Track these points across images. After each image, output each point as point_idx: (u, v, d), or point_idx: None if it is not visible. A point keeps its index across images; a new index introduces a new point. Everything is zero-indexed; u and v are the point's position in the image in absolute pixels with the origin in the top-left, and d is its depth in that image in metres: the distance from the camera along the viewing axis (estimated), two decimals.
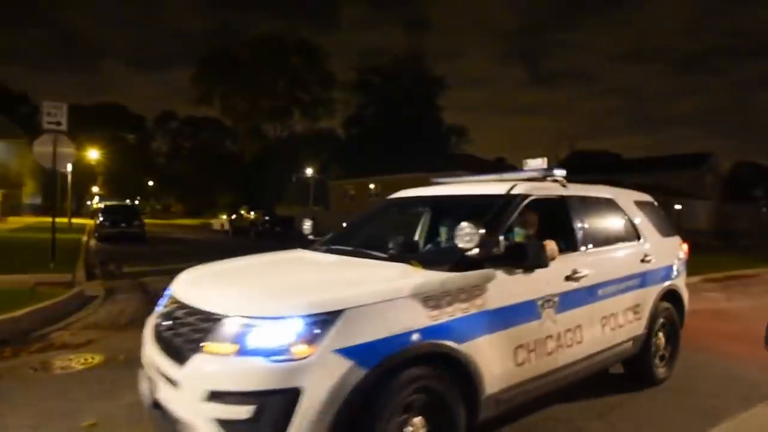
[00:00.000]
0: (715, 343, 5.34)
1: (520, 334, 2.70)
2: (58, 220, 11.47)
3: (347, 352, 2.01)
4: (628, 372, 3.95)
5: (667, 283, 4.03)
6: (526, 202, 3.09)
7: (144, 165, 58.65)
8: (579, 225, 3.38)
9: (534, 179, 3.57)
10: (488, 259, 2.62)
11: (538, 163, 3.84)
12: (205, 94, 52.64)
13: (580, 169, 36.94)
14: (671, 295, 4.11)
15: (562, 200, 3.40)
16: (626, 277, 3.56)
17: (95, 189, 55.06)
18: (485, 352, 2.48)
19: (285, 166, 47.79)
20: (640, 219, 4.02)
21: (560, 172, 3.57)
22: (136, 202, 66.15)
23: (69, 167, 24.98)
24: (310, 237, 3.88)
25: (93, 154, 42.07)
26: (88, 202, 51.68)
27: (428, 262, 2.64)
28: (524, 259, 2.63)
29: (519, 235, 3.45)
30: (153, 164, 61.60)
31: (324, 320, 2.03)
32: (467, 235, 2.54)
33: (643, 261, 3.78)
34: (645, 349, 3.80)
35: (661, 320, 4.02)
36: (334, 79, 52.32)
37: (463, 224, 2.56)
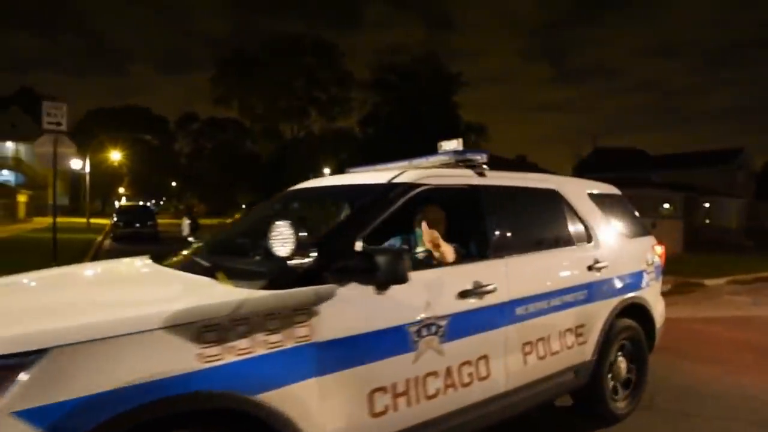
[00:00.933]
0: (733, 355, 4.56)
1: (378, 374, 2.00)
2: (77, 220, 11.45)
3: (36, 414, 1.34)
4: (576, 407, 3.18)
5: (629, 295, 3.24)
6: (412, 193, 2.38)
7: (167, 166, 59.71)
8: (494, 224, 2.64)
9: (448, 165, 2.86)
10: (332, 272, 1.94)
11: (453, 146, 3.10)
12: (224, 96, 53.14)
13: (603, 166, 35.41)
14: (635, 311, 3.31)
15: (474, 192, 2.67)
16: (563, 289, 2.80)
17: (121, 190, 56.40)
18: (310, 404, 1.80)
19: (302, 165, 47.72)
20: (594, 216, 3.23)
21: (478, 156, 2.84)
22: (161, 202, 67.52)
23: (76, 166, 25.39)
24: (190, 239, 3.25)
25: (116, 156, 42.95)
26: (116, 203, 52.89)
27: (240, 275, 1.98)
28: (373, 271, 1.92)
29: (420, 237, 2.75)
30: (176, 165, 62.66)
31: (6, 366, 1.37)
32: (281, 239, 1.86)
33: (591, 269, 3.00)
34: (595, 380, 3.02)
35: (621, 342, 3.23)
36: (351, 78, 52.03)
37: (279, 223, 1.88)
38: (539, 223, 3.01)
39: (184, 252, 2.72)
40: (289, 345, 1.77)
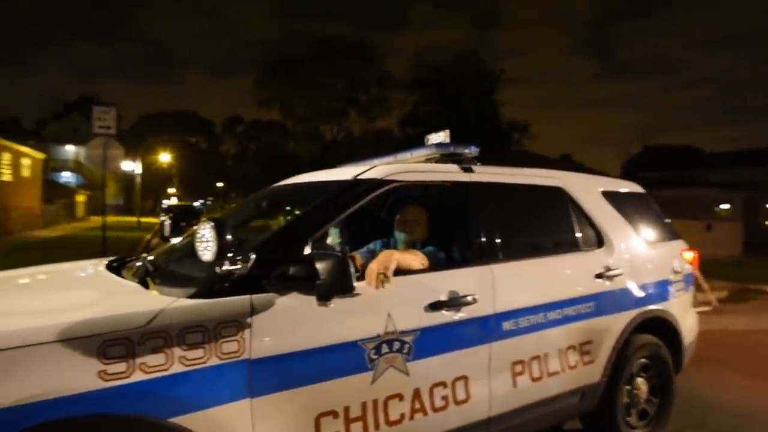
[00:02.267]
0: None
1: (326, 396, 1.76)
2: (129, 219, 12.05)
3: None
4: None
5: (650, 308, 2.83)
6: (379, 191, 2.12)
7: (214, 167, 61.92)
8: (479, 225, 2.32)
9: (434, 159, 2.58)
10: (270, 279, 1.71)
11: (440, 138, 2.81)
12: (267, 98, 54.47)
13: (654, 165, 33.42)
14: (658, 325, 2.89)
15: (457, 189, 2.36)
16: (563, 301, 2.44)
17: (171, 190, 59.00)
18: (241, 429, 1.59)
19: (342, 166, 48.05)
20: (607, 218, 2.84)
21: (465, 150, 2.53)
22: (208, 202, 70.05)
23: (127, 168, 26.63)
24: (172, 240, 3.12)
25: (166, 158, 44.94)
26: (164, 202, 55.47)
27: (175, 282, 1.79)
28: (314, 279, 1.68)
29: (401, 241, 2.49)
30: (222, 166, 64.89)
31: None
32: (203, 243, 1.66)
33: (600, 277, 2.62)
34: (607, 405, 2.64)
35: (640, 361, 2.82)
36: (391, 78, 52.01)
37: (204, 224, 1.68)
38: (537, 225, 2.66)
39: (152, 255, 2.58)
40: (214, 362, 1.56)
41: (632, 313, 2.72)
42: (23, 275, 2.47)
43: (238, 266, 1.70)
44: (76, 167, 44.36)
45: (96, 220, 32.30)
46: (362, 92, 52.58)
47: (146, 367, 1.46)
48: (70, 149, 44.54)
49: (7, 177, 22.00)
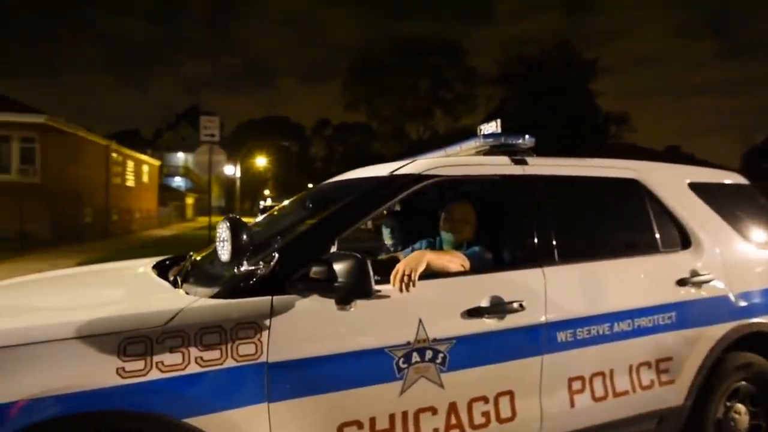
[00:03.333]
0: None
1: (350, 405, 1.67)
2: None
3: None
4: None
5: (752, 321, 2.38)
6: (416, 187, 1.97)
7: (304, 169, 65.15)
8: (532, 223, 2.09)
9: (485, 152, 2.38)
10: (293, 280, 1.65)
11: (491, 129, 2.58)
12: (353, 101, 56.00)
13: None
14: (762, 341, 2.42)
15: (508, 184, 2.15)
16: (635, 310, 2.13)
17: (266, 192, 63.17)
18: None
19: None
20: (697, 214, 2.44)
21: (519, 140, 2.30)
22: None
23: (229, 172, 29.00)
24: None
25: (261, 161, 48.18)
26: (260, 203, 59.45)
27: (204, 281, 1.80)
28: (332, 282, 1.59)
29: (446, 241, 2.33)
30: (312, 168, 68.07)
31: None
32: (221, 243, 1.64)
33: (684, 283, 2.25)
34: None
35: (737, 383, 2.38)
36: (477, 75, 50.92)
37: (221, 223, 1.65)
38: (604, 224, 2.35)
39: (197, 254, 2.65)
40: (230, 364, 1.53)
41: (727, 327, 2.30)
42: (72, 274, 2.65)
43: (260, 266, 1.67)
44: (185, 172, 49.07)
45: (203, 221, 35.56)
46: (447, 91, 52.11)
47: (163, 366, 1.47)
48: (180, 156, 49.46)
49: (130, 183, 24.96)
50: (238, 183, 35.11)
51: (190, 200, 43.12)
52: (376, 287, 1.60)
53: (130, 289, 2.07)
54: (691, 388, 2.23)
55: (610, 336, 2.06)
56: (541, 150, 2.47)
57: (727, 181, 2.73)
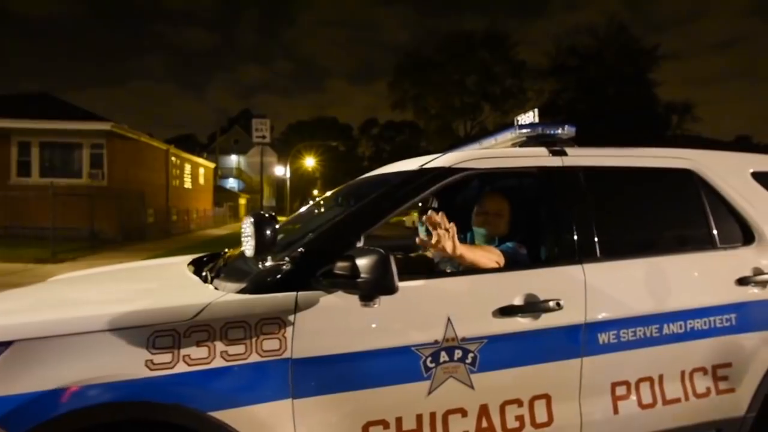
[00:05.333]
0: None
1: (376, 403, 1.66)
2: (281, 218, 14.00)
3: None
4: None
5: None
6: (446, 181, 1.93)
7: (352, 168, 65.99)
8: (571, 217, 1.98)
9: (522, 143, 2.29)
10: (317, 276, 1.65)
11: (529, 120, 2.45)
12: (400, 100, 56.03)
13: None
14: None
15: (546, 177, 2.04)
16: (688, 311, 1.99)
17: (315, 191, 64.56)
18: (281, 430, 1.55)
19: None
20: (760, 206, 2.24)
21: (558, 130, 2.18)
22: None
23: (279, 173, 29.90)
24: None
25: (310, 162, 49.29)
26: (310, 202, 60.98)
27: (233, 277, 1.82)
28: (355, 278, 1.56)
29: (479, 236, 2.25)
30: (359, 167, 68.81)
31: None
32: (246, 238, 1.66)
33: (745, 282, 2.07)
34: None
35: None
36: (525, 67, 49.55)
37: (246, 219, 1.67)
38: (654, 217, 2.21)
39: (232, 251, 2.70)
40: (254, 359, 1.55)
41: None
42: (114, 270, 2.76)
43: (286, 262, 1.67)
44: (238, 174, 51.02)
45: None
46: (495, 85, 51.04)
47: (189, 359, 1.50)
48: (233, 158, 51.44)
49: (188, 184, 26.26)
50: (288, 183, 36.12)
51: (242, 201, 44.83)
52: (403, 284, 1.58)
53: (164, 284, 2.14)
54: (755, 398, 2.05)
55: (659, 338, 1.94)
56: (595, 142, 2.33)
57: None
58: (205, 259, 2.64)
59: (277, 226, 1.69)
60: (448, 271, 2.09)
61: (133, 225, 17.14)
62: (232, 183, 50.52)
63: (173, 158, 23.25)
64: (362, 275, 1.54)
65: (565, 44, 45.15)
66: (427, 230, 2.98)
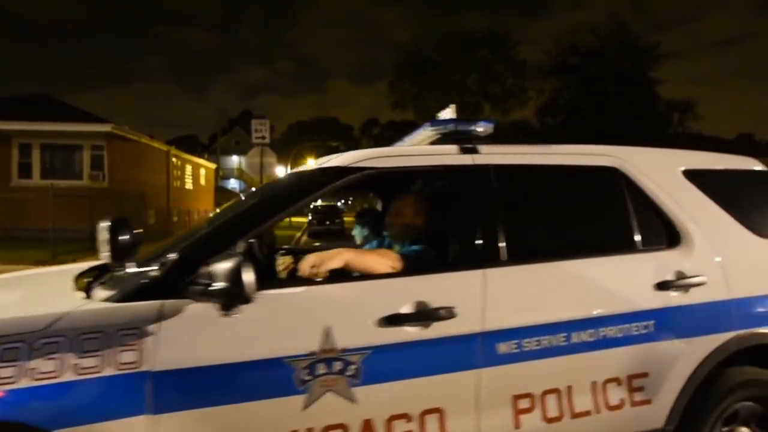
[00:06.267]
0: None
1: (245, 419, 1.57)
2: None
3: None
4: None
5: (754, 331, 2.16)
6: (341, 182, 1.83)
7: None
8: (475, 219, 1.93)
9: (436, 140, 2.28)
10: (186, 284, 1.57)
11: (447, 116, 2.43)
12: (400, 99, 56.07)
13: None
14: None
15: (455, 176, 2.00)
16: (600, 318, 1.92)
17: None
18: None
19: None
20: (690, 206, 2.19)
21: (472, 127, 2.13)
22: (349, 202, 75.20)
23: (279, 173, 29.98)
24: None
25: (311, 162, 49.62)
26: (313, 204, 61.27)
27: (113, 284, 1.72)
28: (210, 285, 1.50)
29: (392, 240, 2.37)
30: None
31: None
32: (103, 245, 1.59)
33: (666, 287, 2.04)
34: None
35: (741, 405, 2.17)
36: (526, 66, 49.52)
37: (101, 223, 1.61)
38: (568, 219, 2.14)
39: None
40: (108, 372, 1.45)
41: (722, 338, 2.09)
42: (9, 277, 2.53)
43: (155, 268, 1.61)
44: (239, 174, 51.18)
45: None
46: (496, 85, 50.94)
47: (36, 373, 1.40)
48: (234, 159, 51.70)
49: (189, 185, 26.41)
50: None
51: None
52: (276, 291, 1.58)
53: (36, 293, 2.01)
54: (673, 410, 2.01)
55: (567, 348, 1.85)
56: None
57: (736, 167, 2.44)
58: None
59: (135, 231, 1.62)
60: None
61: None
62: (233, 184, 50.76)
63: (174, 159, 23.38)
64: (216, 282, 1.46)
65: (566, 43, 45.00)
66: (362, 231, 3.04)
